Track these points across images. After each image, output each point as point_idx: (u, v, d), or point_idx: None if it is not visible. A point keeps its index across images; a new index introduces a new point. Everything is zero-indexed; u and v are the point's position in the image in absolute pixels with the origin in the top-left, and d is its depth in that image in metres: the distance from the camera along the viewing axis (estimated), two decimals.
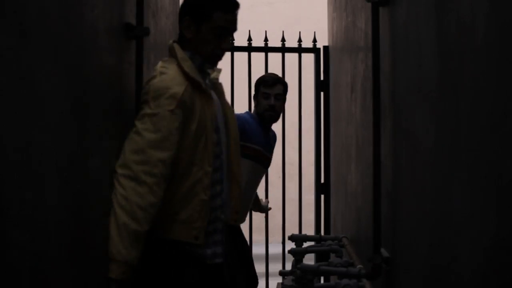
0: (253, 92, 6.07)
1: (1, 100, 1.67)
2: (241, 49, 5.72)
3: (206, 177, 2.85)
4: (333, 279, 4.53)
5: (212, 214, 2.91)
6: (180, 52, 2.90)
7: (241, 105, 6.67)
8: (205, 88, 2.88)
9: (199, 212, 2.83)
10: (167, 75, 2.83)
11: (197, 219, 2.82)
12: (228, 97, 6.26)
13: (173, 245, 2.83)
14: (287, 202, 6.09)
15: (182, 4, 2.97)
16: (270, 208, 5.09)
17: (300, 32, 5.77)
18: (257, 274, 6.30)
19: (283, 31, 5.84)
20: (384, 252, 3.08)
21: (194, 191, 2.82)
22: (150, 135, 2.72)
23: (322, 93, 5.78)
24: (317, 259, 5.11)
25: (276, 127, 6.32)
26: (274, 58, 5.96)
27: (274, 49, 5.74)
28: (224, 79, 6.34)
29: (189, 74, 2.83)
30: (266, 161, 4.36)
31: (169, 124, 2.73)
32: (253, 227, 6.26)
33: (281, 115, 5.84)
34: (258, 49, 5.73)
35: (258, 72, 6.39)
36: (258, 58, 5.98)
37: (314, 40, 5.80)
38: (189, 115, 2.79)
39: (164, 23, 4.11)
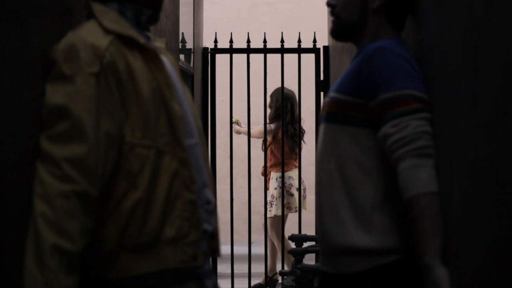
0: (252, 95, 6.06)
1: (1, 100, 1.67)
2: (240, 51, 5.72)
3: (185, 166, 1.94)
4: None
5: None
6: (97, 5, 1.97)
7: (240, 107, 6.68)
8: (145, 43, 1.94)
9: (189, 219, 1.94)
10: (79, 29, 1.93)
11: (188, 230, 1.93)
12: (227, 100, 6.31)
13: (155, 279, 1.90)
14: None
15: None
16: None
17: (299, 33, 5.77)
18: (257, 274, 6.30)
19: (282, 32, 5.84)
20: None
21: (173, 191, 1.92)
22: (62, 124, 1.81)
23: (322, 93, 5.78)
24: (317, 259, 5.11)
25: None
26: (274, 58, 5.96)
27: (274, 50, 5.74)
28: (223, 81, 6.38)
29: (109, 28, 1.91)
30: (324, 111, 2.18)
31: (93, 98, 1.83)
32: (253, 227, 6.25)
33: (281, 115, 5.84)
34: (257, 51, 5.74)
35: (257, 72, 6.40)
36: (257, 58, 5.98)
37: (314, 40, 5.80)
38: (127, 83, 1.88)
39: (164, 23, 4.11)
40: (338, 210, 2.04)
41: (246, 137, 5.89)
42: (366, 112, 2.02)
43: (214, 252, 2.10)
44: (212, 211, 2.05)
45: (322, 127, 2.14)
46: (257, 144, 6.69)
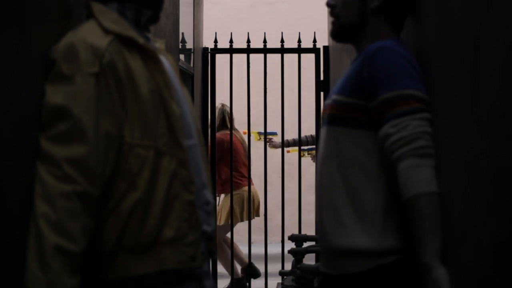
0: (252, 95, 6.05)
1: (1, 100, 1.67)
2: (240, 51, 5.72)
3: (184, 167, 1.95)
4: None
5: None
6: (97, 5, 1.98)
7: (240, 107, 6.67)
8: (144, 44, 1.94)
9: (188, 220, 1.95)
10: (79, 29, 1.94)
11: (187, 231, 1.94)
12: (227, 100, 6.31)
13: (156, 280, 1.91)
14: (287, 202, 6.08)
15: None
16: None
17: (299, 33, 5.77)
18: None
19: (282, 32, 5.84)
20: None
21: (172, 192, 1.92)
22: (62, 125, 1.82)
23: (322, 93, 5.78)
24: (317, 259, 5.11)
25: (275, 127, 6.35)
26: (274, 58, 5.96)
27: (274, 50, 5.74)
28: (223, 81, 6.38)
29: (108, 29, 1.91)
30: (325, 113, 2.17)
31: (93, 98, 1.83)
32: (253, 227, 6.26)
33: (281, 114, 5.84)
34: (257, 51, 5.74)
35: (257, 72, 6.40)
36: (257, 58, 5.98)
37: (314, 40, 5.80)
38: (126, 83, 1.89)
39: (164, 23, 4.11)
40: (339, 212, 2.05)
41: (245, 136, 5.90)
42: (368, 113, 2.02)
43: (212, 253, 2.11)
44: (211, 212, 2.05)
45: (323, 130, 2.14)
46: (257, 144, 6.69)
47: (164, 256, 1.90)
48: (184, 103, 2.04)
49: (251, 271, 5.98)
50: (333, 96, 2.12)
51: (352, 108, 2.04)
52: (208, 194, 2.05)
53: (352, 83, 2.05)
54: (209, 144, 5.76)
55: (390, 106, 1.95)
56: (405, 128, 1.92)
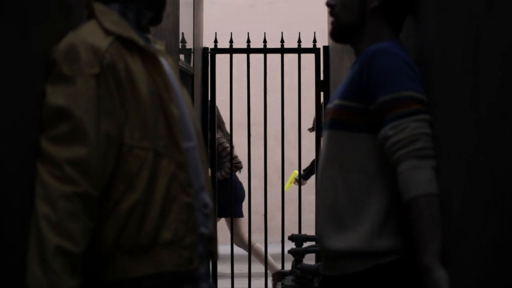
0: (252, 95, 6.05)
1: (1, 100, 1.67)
2: (240, 51, 5.72)
3: (182, 169, 1.95)
4: None
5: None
6: (98, 5, 1.97)
7: (240, 107, 6.67)
8: (145, 45, 1.95)
9: (186, 222, 1.94)
10: (80, 30, 1.94)
11: (185, 233, 1.94)
12: (227, 100, 6.31)
13: (153, 282, 1.91)
14: (287, 202, 6.08)
15: None
16: None
17: (299, 33, 5.77)
18: (257, 274, 6.30)
19: (282, 32, 5.84)
20: None
21: (170, 194, 1.92)
22: (63, 126, 1.82)
23: (322, 93, 5.78)
24: (317, 259, 5.11)
25: (276, 127, 6.34)
26: (274, 58, 5.96)
27: (274, 50, 5.74)
28: (223, 81, 6.37)
29: (109, 30, 1.91)
30: (327, 118, 2.17)
31: (94, 99, 1.84)
32: (253, 227, 6.25)
33: (281, 114, 5.84)
34: (257, 51, 5.74)
35: (257, 72, 6.40)
36: (257, 58, 5.98)
37: (314, 40, 5.80)
38: (126, 84, 1.88)
39: (164, 23, 4.11)
40: (340, 215, 2.05)
41: (246, 136, 5.90)
42: (368, 117, 2.02)
43: (212, 255, 2.10)
44: (209, 215, 2.05)
45: (325, 134, 2.15)
46: (257, 143, 6.69)
47: (161, 258, 1.89)
48: (184, 105, 2.04)
49: None
50: (335, 101, 2.12)
51: (353, 112, 2.04)
52: (206, 196, 2.04)
53: (352, 87, 2.06)
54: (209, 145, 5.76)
55: (389, 108, 1.96)
56: (404, 130, 1.93)
